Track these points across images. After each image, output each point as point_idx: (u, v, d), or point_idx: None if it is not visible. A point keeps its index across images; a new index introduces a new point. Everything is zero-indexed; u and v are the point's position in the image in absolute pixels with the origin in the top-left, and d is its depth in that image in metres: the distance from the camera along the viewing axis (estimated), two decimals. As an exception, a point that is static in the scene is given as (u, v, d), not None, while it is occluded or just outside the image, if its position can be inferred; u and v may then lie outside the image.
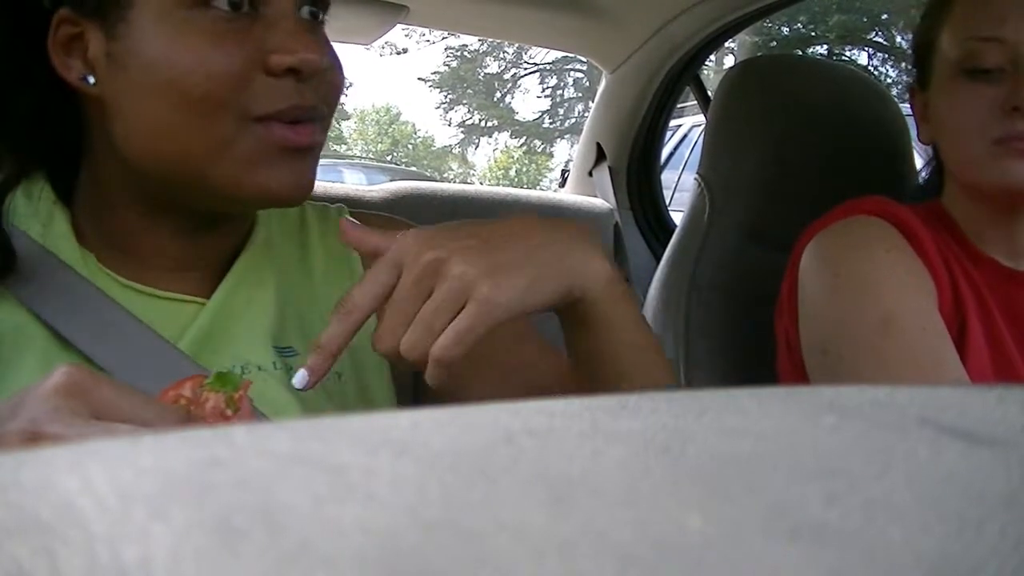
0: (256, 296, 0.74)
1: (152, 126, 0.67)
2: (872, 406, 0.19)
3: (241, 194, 0.68)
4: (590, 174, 1.97)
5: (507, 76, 20.84)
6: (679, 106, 2.00)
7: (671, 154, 5.18)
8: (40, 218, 0.71)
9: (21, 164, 0.72)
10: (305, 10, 0.69)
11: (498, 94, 20.95)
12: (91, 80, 0.68)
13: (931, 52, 0.98)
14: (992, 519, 0.14)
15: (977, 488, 0.15)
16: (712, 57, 2.17)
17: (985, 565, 0.13)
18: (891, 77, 12.91)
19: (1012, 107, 0.89)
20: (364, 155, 23.10)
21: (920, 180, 1.12)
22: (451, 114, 21.44)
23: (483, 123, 21.32)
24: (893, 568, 0.12)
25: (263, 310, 0.74)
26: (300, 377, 0.59)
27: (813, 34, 13.42)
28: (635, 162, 1.91)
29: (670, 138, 4.89)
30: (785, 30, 13.42)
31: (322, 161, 0.77)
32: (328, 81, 0.70)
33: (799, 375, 0.99)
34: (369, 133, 25.45)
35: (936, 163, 1.05)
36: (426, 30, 15.22)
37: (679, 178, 4.71)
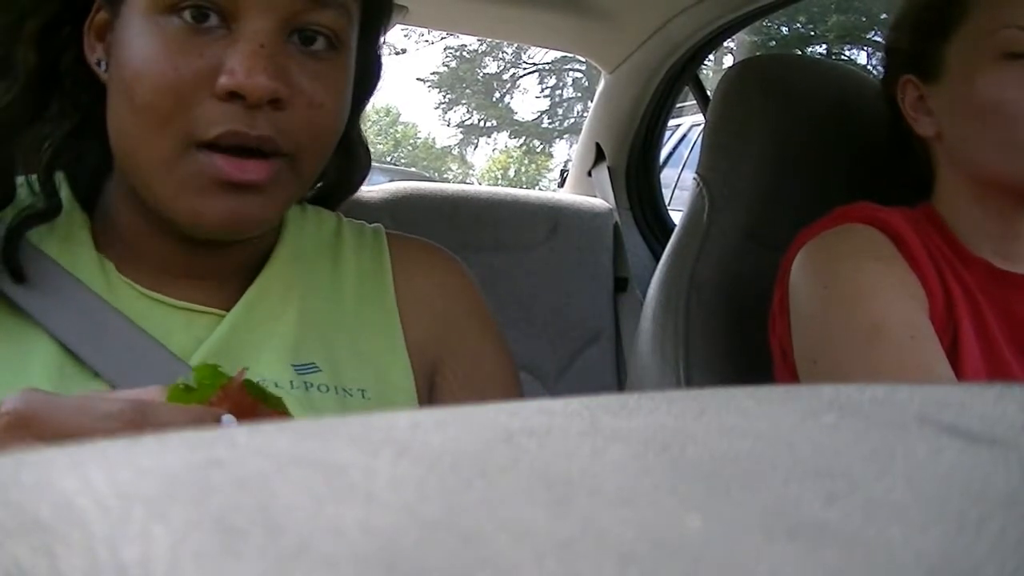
0: (277, 311, 0.73)
1: (117, 124, 0.67)
2: (871, 405, 0.19)
3: (177, 217, 0.66)
4: (589, 174, 1.97)
5: (506, 76, 20.84)
6: (678, 106, 2.00)
7: (670, 154, 5.18)
8: (59, 229, 0.71)
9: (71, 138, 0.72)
10: (295, 36, 0.66)
11: (497, 94, 20.95)
12: (103, 66, 0.69)
13: (941, 44, 0.97)
14: (992, 518, 0.14)
15: (977, 487, 0.15)
16: (711, 56, 2.17)
17: (985, 564, 0.13)
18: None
19: None
20: (363, 155, 22.97)
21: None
22: (450, 114, 21.45)
23: (482, 123, 21.32)
24: (893, 567, 0.12)
25: (283, 326, 0.72)
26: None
27: (812, 34, 13.42)
28: (634, 162, 1.91)
29: (669, 138, 4.89)
30: (784, 30, 13.42)
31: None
32: (303, 118, 0.66)
33: (796, 383, 0.99)
34: (368, 134, 25.34)
35: (926, 163, 1.04)
36: (425, 30, 15.22)
37: (679, 177, 4.72)
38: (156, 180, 0.65)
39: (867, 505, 0.14)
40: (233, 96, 0.62)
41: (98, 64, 0.69)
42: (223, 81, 0.62)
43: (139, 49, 0.64)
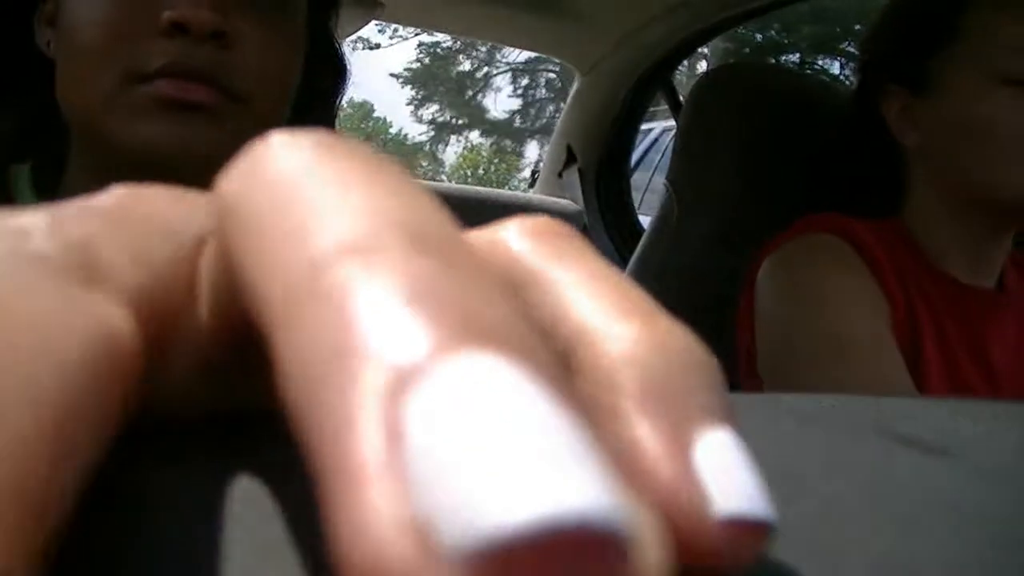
0: None
1: (64, 79, 0.67)
2: (829, 414, 0.19)
3: (129, 147, 0.65)
4: (560, 175, 1.97)
5: (479, 75, 20.81)
6: (650, 110, 2.01)
7: (641, 158, 5.19)
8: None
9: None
10: None
11: (470, 92, 20.92)
12: (51, 47, 0.70)
13: (933, 58, 0.97)
14: (940, 523, 0.15)
15: (927, 494, 0.16)
16: (684, 62, 2.19)
17: (929, 565, 0.13)
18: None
19: None
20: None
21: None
22: (422, 111, 21.39)
23: (454, 121, 21.28)
24: (844, 567, 0.13)
25: None
26: None
27: (786, 42, 13.51)
28: (605, 165, 1.92)
29: (641, 142, 4.90)
30: (759, 37, 13.50)
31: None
32: (251, 60, 0.67)
33: (759, 386, 1.00)
34: (339, 128, 25.15)
35: (900, 176, 1.04)
36: (399, 26, 15.17)
37: (649, 181, 4.73)
38: (105, 117, 0.65)
39: (822, 507, 0.15)
40: (176, 30, 0.63)
41: (47, 45, 0.70)
42: (166, 14, 0.63)
43: (82, 3, 0.65)
